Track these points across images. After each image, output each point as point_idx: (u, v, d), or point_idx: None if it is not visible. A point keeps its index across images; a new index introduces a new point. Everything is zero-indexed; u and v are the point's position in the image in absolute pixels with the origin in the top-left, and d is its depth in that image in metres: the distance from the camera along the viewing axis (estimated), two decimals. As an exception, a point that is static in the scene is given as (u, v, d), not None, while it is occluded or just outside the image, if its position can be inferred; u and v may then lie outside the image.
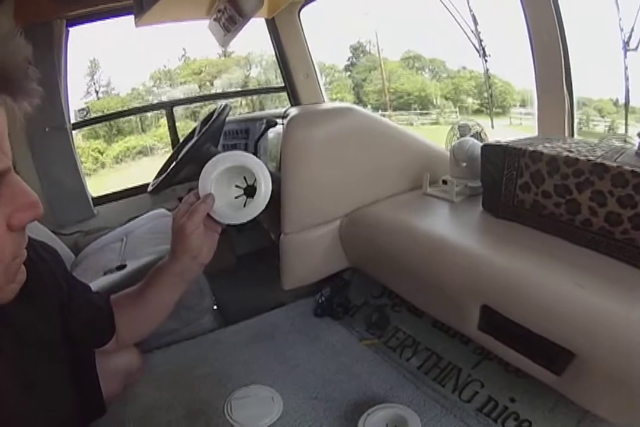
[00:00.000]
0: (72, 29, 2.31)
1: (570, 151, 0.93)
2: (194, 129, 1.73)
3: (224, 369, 1.22)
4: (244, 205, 0.87)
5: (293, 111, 1.39)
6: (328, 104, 1.83)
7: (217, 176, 0.85)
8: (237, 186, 0.88)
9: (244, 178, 0.87)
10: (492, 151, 1.07)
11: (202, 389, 1.16)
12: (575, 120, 1.53)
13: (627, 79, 2.09)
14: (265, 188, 0.85)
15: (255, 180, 0.85)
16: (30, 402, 0.66)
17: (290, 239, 1.34)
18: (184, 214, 0.84)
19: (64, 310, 0.80)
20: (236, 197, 0.88)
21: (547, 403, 0.92)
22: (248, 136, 1.83)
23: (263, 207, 0.85)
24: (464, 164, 1.26)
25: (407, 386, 1.10)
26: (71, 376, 0.79)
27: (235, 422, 1.03)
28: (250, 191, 0.87)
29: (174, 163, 1.53)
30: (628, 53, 1.95)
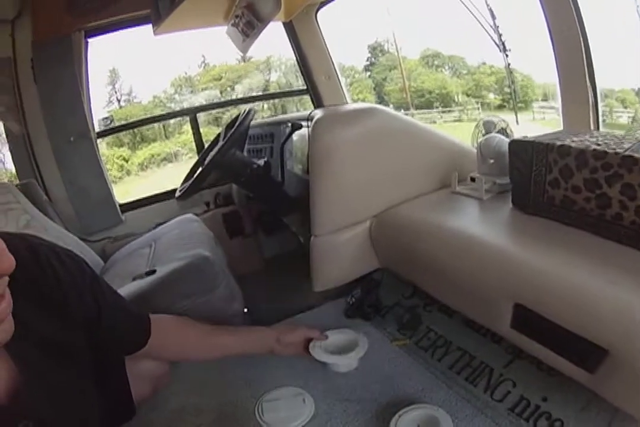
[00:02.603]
0: (92, 41, 2.35)
1: (598, 144, 0.92)
2: (219, 134, 1.74)
3: (254, 372, 1.23)
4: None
5: (318, 113, 1.40)
6: (352, 105, 1.83)
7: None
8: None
9: None
10: (520, 147, 1.06)
11: (232, 392, 1.17)
12: (600, 112, 1.50)
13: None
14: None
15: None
16: (55, 410, 0.66)
17: (321, 241, 1.35)
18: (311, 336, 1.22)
19: (92, 319, 0.80)
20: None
21: (579, 402, 0.90)
22: (273, 140, 1.85)
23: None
24: (492, 161, 1.25)
25: (438, 386, 1.10)
26: (99, 380, 0.80)
27: (267, 424, 1.03)
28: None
29: (201, 169, 1.54)
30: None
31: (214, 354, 1.13)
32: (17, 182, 2.22)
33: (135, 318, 0.95)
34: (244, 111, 1.59)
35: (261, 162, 1.64)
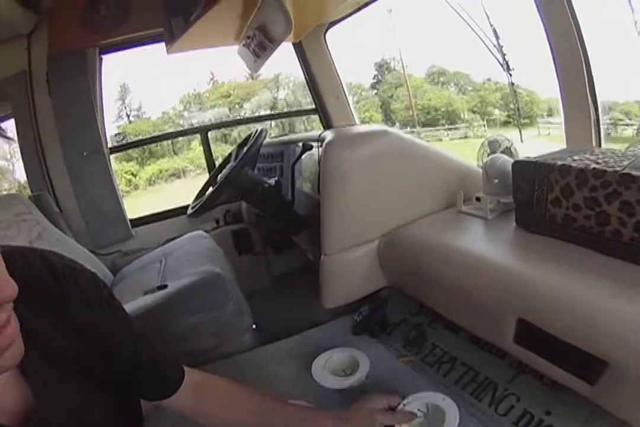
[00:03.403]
0: (105, 57, 2.41)
1: (598, 163, 0.94)
2: (230, 153, 1.78)
3: (263, 387, 1.22)
4: None
5: (329, 135, 1.44)
6: (363, 127, 1.86)
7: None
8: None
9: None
10: (522, 167, 1.09)
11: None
12: (603, 127, 1.53)
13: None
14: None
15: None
16: (68, 425, 0.64)
17: (331, 259, 1.38)
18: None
19: (109, 343, 0.74)
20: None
21: (582, 415, 0.91)
22: (283, 159, 1.88)
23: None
24: (496, 181, 1.27)
25: (444, 401, 1.11)
26: (110, 392, 0.76)
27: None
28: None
29: (214, 187, 1.57)
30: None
31: None
32: (28, 193, 2.26)
33: (160, 357, 0.86)
34: (257, 131, 1.63)
35: (272, 181, 1.68)
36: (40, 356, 0.61)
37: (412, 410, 1.02)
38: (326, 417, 0.96)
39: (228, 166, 1.60)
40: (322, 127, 2.84)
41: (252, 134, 1.63)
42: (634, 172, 0.84)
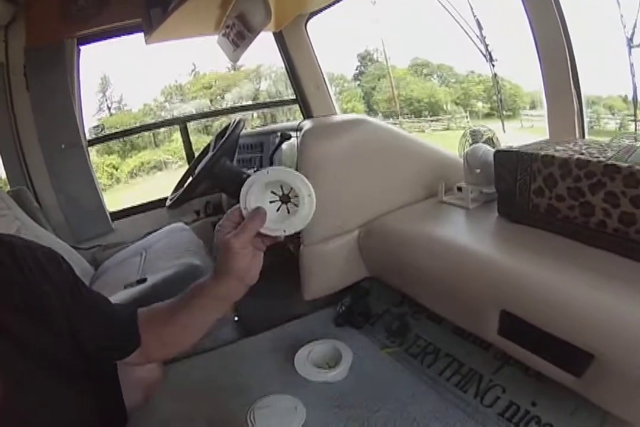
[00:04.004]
0: (84, 48, 2.36)
1: (582, 153, 0.94)
2: (209, 144, 1.75)
3: (245, 380, 1.22)
4: (288, 212, 0.83)
5: (307, 124, 1.42)
6: (341, 116, 1.85)
7: (256, 191, 0.82)
8: (272, 199, 0.84)
9: (281, 187, 0.84)
10: (504, 157, 1.08)
11: (223, 400, 1.16)
12: (586, 120, 1.53)
13: (633, 75, 2.09)
14: (307, 190, 0.82)
15: (291, 189, 0.83)
16: (43, 423, 0.64)
17: (310, 250, 1.36)
18: (229, 233, 0.79)
19: (72, 320, 0.73)
20: (277, 210, 0.84)
21: (568, 406, 0.91)
22: (262, 150, 1.86)
23: (314, 208, 0.82)
24: (478, 171, 1.27)
25: (429, 392, 1.10)
26: (92, 389, 0.76)
27: (258, 431, 1.03)
28: (285, 199, 0.84)
29: (191, 178, 1.55)
30: (632, 50, 1.95)
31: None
32: (8, 188, 2.21)
33: (123, 325, 0.84)
34: (234, 121, 1.60)
35: (251, 171, 1.65)
36: (12, 351, 0.61)
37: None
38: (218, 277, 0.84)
39: (206, 157, 1.58)
40: (303, 118, 2.81)
41: (230, 125, 1.61)
42: (619, 163, 0.84)
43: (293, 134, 1.54)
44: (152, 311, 0.89)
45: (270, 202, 0.84)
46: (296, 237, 1.38)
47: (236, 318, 1.56)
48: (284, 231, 0.82)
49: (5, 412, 0.57)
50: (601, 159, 0.88)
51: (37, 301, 0.67)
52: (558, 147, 1.01)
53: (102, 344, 0.80)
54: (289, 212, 0.83)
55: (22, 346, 0.63)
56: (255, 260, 0.82)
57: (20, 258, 0.67)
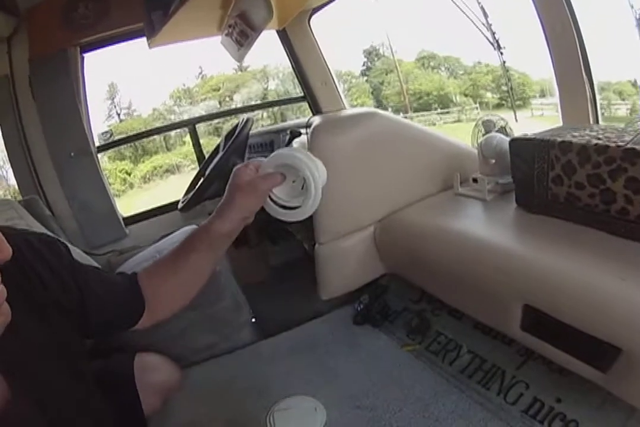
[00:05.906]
0: (87, 55, 2.37)
1: (599, 138, 0.91)
2: (219, 145, 1.74)
3: (265, 381, 1.22)
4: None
5: (316, 120, 1.40)
6: (351, 110, 1.83)
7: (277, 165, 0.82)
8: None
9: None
10: (520, 145, 1.05)
11: (243, 402, 1.15)
12: (598, 106, 1.49)
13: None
14: (318, 175, 0.82)
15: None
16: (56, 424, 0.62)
17: (325, 248, 1.34)
18: (250, 174, 0.82)
19: (80, 300, 0.73)
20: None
21: (593, 402, 0.88)
22: (273, 148, 1.84)
23: (319, 197, 0.84)
24: (493, 161, 1.24)
25: (451, 390, 1.08)
26: (108, 394, 0.76)
27: (279, 434, 1.02)
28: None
29: (202, 180, 1.54)
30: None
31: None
32: (20, 198, 2.23)
33: (126, 292, 0.83)
34: (242, 120, 1.59)
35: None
36: (17, 348, 0.59)
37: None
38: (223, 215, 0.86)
39: (216, 158, 1.57)
40: (312, 115, 2.78)
41: (238, 124, 1.60)
42: (639, 147, 0.81)
43: (303, 131, 1.52)
44: (153, 266, 0.88)
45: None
46: (311, 235, 1.36)
47: (254, 320, 1.54)
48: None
49: (7, 408, 0.56)
50: (620, 143, 0.85)
51: (39, 292, 0.66)
52: (574, 133, 0.98)
53: (109, 313, 0.80)
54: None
55: (29, 343, 0.62)
56: (260, 202, 0.84)
57: (14, 249, 0.61)
